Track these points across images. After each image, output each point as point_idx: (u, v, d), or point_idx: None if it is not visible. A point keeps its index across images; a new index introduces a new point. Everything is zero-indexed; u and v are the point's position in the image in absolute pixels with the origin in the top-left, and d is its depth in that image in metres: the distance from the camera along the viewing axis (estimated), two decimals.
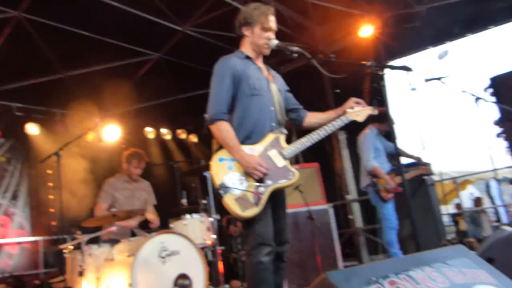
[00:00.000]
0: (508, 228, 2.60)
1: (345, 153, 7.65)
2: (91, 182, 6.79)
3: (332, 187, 7.35)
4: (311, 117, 2.92)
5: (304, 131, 2.85)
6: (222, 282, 4.54)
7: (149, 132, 8.21)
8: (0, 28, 5.71)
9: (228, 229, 6.55)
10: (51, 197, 7.04)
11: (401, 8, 6.70)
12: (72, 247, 4.15)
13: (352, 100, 2.83)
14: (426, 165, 5.36)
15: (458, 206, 8.94)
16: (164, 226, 4.58)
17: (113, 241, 4.26)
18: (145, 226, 4.84)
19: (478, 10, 6.50)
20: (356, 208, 7.65)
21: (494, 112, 5.72)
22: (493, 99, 5.53)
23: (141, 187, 5.00)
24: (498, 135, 5.78)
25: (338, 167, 7.71)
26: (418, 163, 5.32)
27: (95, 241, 4.50)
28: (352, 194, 7.63)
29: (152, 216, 4.87)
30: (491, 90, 5.80)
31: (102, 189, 4.87)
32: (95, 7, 5.67)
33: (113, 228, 4.27)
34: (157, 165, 7.67)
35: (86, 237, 4.09)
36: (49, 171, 6.98)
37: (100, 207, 4.69)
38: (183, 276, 3.81)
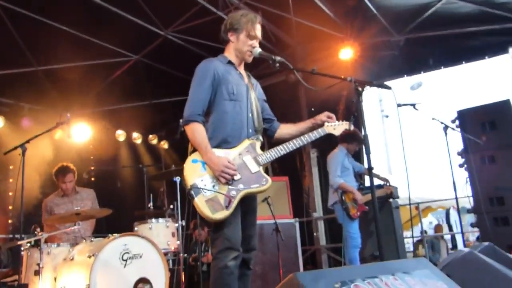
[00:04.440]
0: (465, 249, 2.70)
1: (315, 171, 7.74)
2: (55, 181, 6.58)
3: (299, 203, 7.40)
4: (283, 129, 2.97)
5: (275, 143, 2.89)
6: None
7: (120, 134, 8.07)
8: None
9: (194, 232, 6.45)
10: (10, 193, 6.76)
11: (380, 35, 6.95)
12: (29, 244, 3.99)
13: (325, 113, 2.89)
14: (391, 186, 5.55)
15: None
16: (128, 229, 4.48)
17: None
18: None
19: (453, 46, 6.84)
20: (321, 226, 7.73)
21: (459, 143, 5.96)
22: (459, 130, 5.76)
23: (83, 197, 4.93)
24: (461, 166, 6.00)
25: (306, 184, 7.80)
26: (384, 184, 5.51)
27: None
28: (318, 211, 7.71)
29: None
30: (457, 122, 6.04)
31: (42, 209, 4.84)
32: (75, 2, 5.59)
33: (76, 227, 4.16)
34: (125, 167, 7.52)
35: (46, 235, 3.95)
36: (11, 167, 6.72)
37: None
38: (143, 280, 3.74)
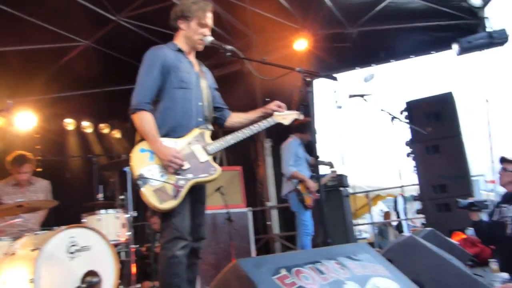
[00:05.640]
0: (406, 234, 2.85)
1: (269, 161, 7.81)
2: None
3: (253, 193, 7.45)
4: (233, 117, 2.96)
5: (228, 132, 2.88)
6: (133, 282, 4.38)
7: (69, 123, 7.75)
8: None
9: (149, 219, 6.29)
10: None
11: (334, 27, 7.06)
12: None
13: (275, 102, 2.92)
14: (335, 171, 5.69)
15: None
16: (76, 221, 4.35)
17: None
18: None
19: (402, 40, 7.09)
20: (274, 215, 7.83)
21: (406, 133, 6.22)
22: (407, 121, 6.00)
23: (37, 188, 4.68)
24: (408, 155, 6.26)
25: (260, 173, 7.85)
26: (328, 166, 5.66)
27: None
28: (272, 201, 7.80)
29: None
30: (406, 113, 6.29)
31: None
32: None
33: (18, 220, 3.98)
34: (74, 158, 7.24)
35: None
36: None
37: None
38: (92, 273, 3.64)
